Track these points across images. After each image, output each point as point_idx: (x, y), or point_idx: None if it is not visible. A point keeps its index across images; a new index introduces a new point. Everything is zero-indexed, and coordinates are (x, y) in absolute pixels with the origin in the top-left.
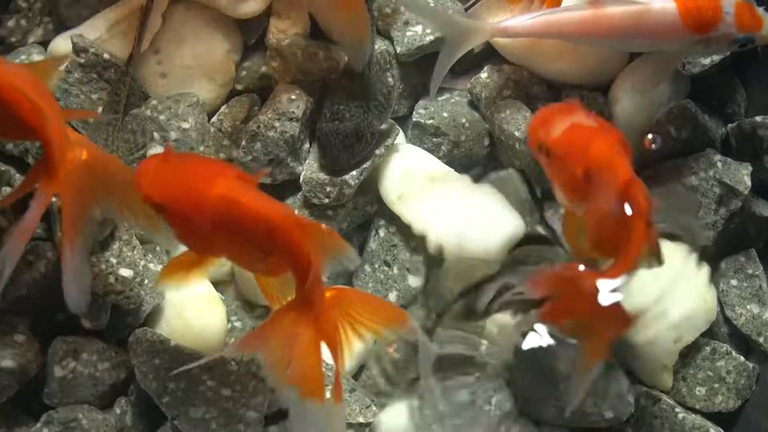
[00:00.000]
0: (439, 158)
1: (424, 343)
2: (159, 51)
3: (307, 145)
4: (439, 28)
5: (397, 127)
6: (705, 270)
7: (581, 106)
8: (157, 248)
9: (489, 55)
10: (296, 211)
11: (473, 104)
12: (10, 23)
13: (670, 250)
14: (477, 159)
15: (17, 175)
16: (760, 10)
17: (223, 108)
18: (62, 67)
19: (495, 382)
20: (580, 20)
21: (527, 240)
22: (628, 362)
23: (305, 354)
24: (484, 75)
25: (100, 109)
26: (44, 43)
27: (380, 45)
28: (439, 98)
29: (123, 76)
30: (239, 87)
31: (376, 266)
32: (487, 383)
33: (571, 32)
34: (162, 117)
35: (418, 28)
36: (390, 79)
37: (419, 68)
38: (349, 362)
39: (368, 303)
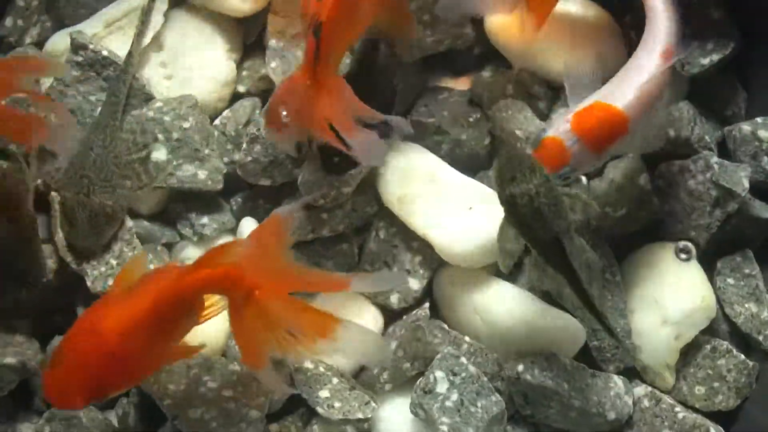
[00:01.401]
0: (441, 157)
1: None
2: (162, 52)
3: (306, 147)
4: None
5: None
6: (700, 268)
7: None
8: (158, 248)
9: (491, 55)
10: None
11: (474, 103)
12: (8, 22)
13: (668, 248)
14: (478, 158)
15: None
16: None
17: (226, 112)
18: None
19: (477, 385)
20: None
21: None
22: (629, 361)
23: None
24: (486, 74)
25: (98, 109)
26: (41, 43)
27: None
28: (439, 96)
29: (122, 74)
30: (241, 88)
31: (377, 267)
32: (470, 385)
33: None
34: (166, 118)
35: (419, 28)
36: (394, 82)
37: (418, 67)
38: (348, 361)
39: (294, 311)
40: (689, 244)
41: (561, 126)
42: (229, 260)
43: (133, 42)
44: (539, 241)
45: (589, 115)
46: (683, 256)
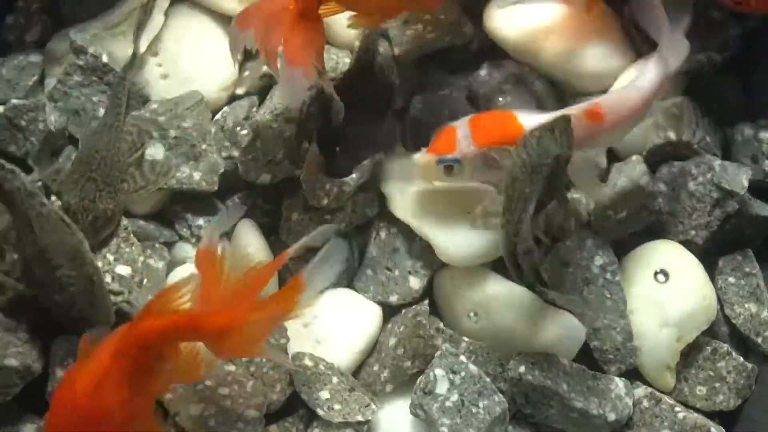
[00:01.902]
0: None
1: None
2: (159, 53)
3: (306, 146)
4: None
5: (397, 127)
6: (702, 268)
7: None
8: (156, 245)
9: (489, 52)
10: (294, 214)
11: (471, 99)
12: (8, 21)
13: (669, 249)
14: None
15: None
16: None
17: (225, 108)
18: (62, 69)
19: (479, 385)
20: None
21: None
22: (631, 362)
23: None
24: (483, 72)
25: (101, 111)
26: (42, 43)
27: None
28: (438, 93)
29: (122, 79)
30: (241, 88)
31: (378, 268)
32: (471, 386)
33: None
34: (162, 119)
35: (419, 26)
36: (393, 81)
37: (416, 66)
38: (347, 362)
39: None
40: (666, 269)
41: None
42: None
43: (134, 45)
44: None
45: (490, 116)
46: (661, 278)
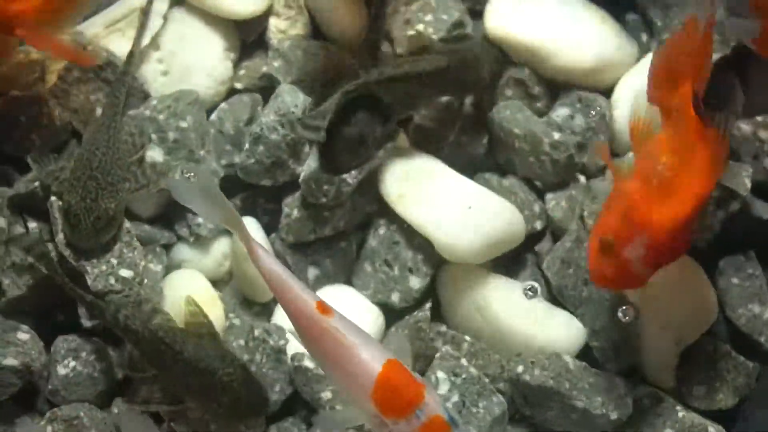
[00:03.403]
0: (440, 158)
1: None
2: (160, 48)
3: (307, 147)
4: None
5: (399, 128)
6: (702, 270)
7: None
8: (157, 249)
9: None
10: (294, 212)
11: (473, 104)
12: None
13: None
14: (476, 157)
15: (16, 174)
16: None
17: (222, 105)
18: (61, 65)
19: (478, 386)
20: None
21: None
22: (631, 363)
23: None
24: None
25: (98, 109)
26: None
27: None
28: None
29: (122, 76)
30: (239, 86)
31: (377, 266)
32: (471, 386)
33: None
34: (161, 116)
35: (420, 27)
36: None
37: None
38: None
39: None
40: (535, 285)
41: None
42: None
43: (133, 43)
44: None
45: None
46: (530, 294)
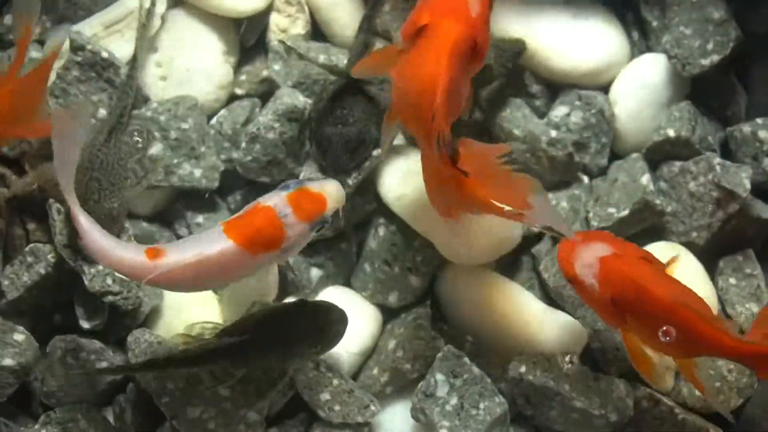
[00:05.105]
0: None
1: None
2: (158, 53)
3: (307, 147)
4: None
5: (398, 129)
6: (702, 269)
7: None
8: None
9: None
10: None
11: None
12: (7, 20)
13: (670, 251)
14: None
15: (14, 177)
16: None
17: (222, 111)
18: (60, 64)
19: (479, 386)
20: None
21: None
22: (631, 364)
23: None
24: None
25: (101, 110)
26: (42, 42)
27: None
28: None
29: (130, 79)
30: (240, 91)
31: (376, 265)
32: (472, 387)
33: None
34: (162, 118)
35: None
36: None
37: None
38: (348, 365)
39: None
40: (575, 356)
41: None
42: None
43: (136, 45)
44: None
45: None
46: (568, 365)
